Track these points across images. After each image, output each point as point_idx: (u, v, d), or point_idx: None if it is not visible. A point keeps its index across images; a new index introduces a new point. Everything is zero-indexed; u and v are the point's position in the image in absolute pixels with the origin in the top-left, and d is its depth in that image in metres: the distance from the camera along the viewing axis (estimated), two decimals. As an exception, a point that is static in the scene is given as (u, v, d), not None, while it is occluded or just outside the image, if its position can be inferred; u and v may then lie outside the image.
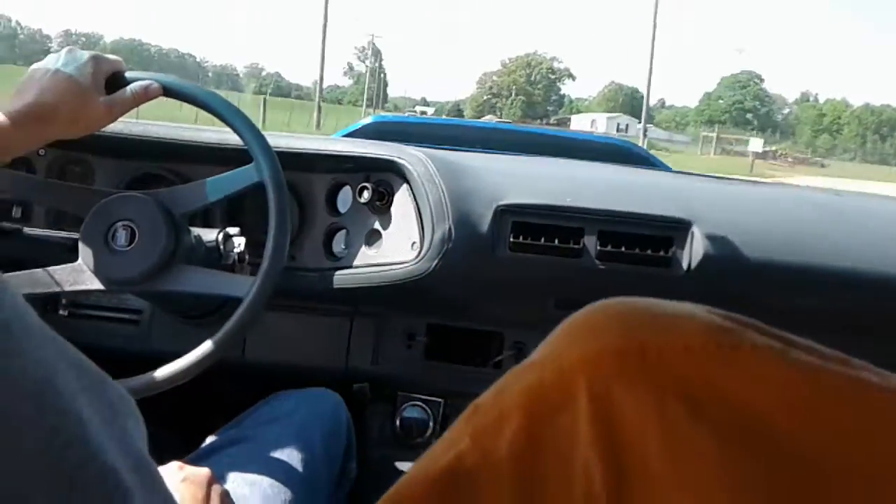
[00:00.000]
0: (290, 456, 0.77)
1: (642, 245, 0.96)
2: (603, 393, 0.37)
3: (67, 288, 0.81)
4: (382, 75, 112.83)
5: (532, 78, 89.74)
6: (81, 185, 0.96)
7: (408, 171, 1.00)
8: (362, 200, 1.02)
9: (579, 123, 65.47)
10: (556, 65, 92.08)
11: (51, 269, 0.81)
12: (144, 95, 0.80)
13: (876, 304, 0.99)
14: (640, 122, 64.03)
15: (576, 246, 0.96)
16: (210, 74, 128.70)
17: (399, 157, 1.01)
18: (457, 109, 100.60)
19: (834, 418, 0.35)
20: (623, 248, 0.96)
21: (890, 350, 1.01)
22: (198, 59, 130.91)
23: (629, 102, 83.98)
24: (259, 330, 1.07)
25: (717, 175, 1.63)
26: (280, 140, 1.01)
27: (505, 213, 0.98)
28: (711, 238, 0.96)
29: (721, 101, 70.52)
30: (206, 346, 0.78)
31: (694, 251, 0.96)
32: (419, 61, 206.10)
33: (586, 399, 0.38)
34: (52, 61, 0.76)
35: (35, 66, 0.77)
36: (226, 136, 0.89)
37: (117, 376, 0.81)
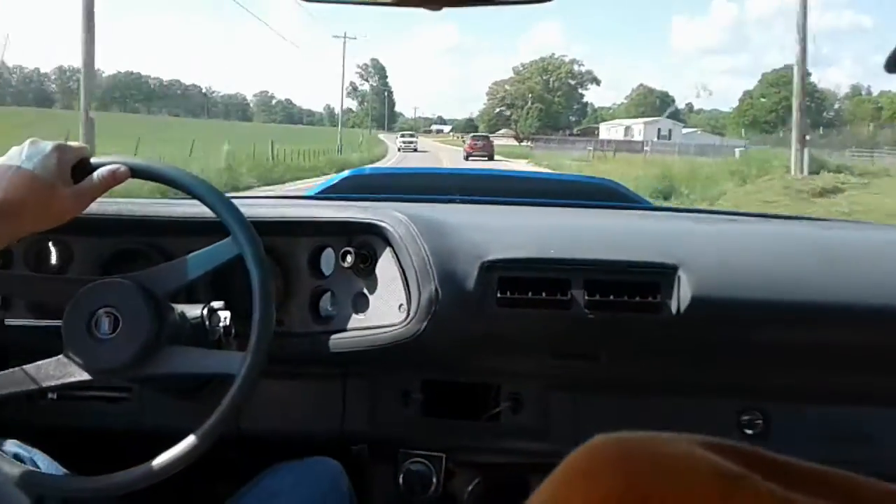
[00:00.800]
0: None
1: (630, 292, 0.97)
2: None
3: (53, 383, 0.81)
4: (387, 93, 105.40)
5: (550, 84, 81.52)
6: (59, 276, 0.99)
7: (390, 234, 1.02)
8: (346, 265, 1.04)
9: (609, 132, 56.98)
10: (576, 68, 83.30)
11: (34, 365, 0.81)
12: (112, 180, 0.81)
13: (866, 337, 0.99)
14: (685, 127, 55.26)
15: (563, 297, 0.97)
16: (219, 105, 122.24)
17: (380, 220, 1.03)
18: (471, 126, 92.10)
19: None
20: (611, 297, 0.97)
21: (886, 383, 1.01)
22: (203, 90, 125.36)
23: (660, 107, 75.05)
24: (252, 398, 1.07)
25: (700, 209, 1.63)
26: (259, 209, 1.05)
27: (490, 269, 0.99)
28: (698, 281, 0.97)
29: (764, 100, 62.43)
30: (202, 430, 0.78)
31: (682, 295, 0.96)
32: (433, 81, 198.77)
33: None
34: (14, 156, 0.77)
35: None
36: (203, 208, 0.91)
37: (113, 457, 0.81)
